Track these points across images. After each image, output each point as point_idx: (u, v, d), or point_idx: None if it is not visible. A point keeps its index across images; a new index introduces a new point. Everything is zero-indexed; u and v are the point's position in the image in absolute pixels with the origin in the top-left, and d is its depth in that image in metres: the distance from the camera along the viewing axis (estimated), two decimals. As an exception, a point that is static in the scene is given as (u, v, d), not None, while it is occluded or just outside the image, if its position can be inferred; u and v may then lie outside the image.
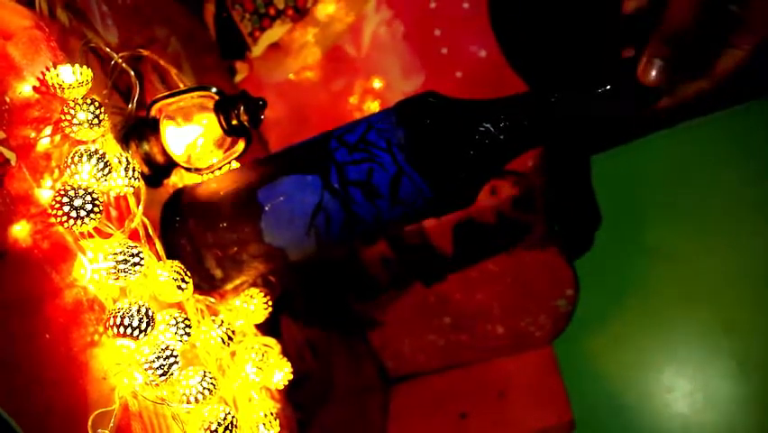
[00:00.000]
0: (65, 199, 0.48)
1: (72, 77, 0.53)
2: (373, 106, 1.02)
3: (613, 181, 1.21)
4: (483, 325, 1.15)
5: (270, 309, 0.72)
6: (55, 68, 0.53)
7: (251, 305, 0.70)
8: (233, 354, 0.66)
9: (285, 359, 0.71)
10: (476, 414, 1.11)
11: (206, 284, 0.64)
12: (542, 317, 1.13)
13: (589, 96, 0.56)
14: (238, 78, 1.04)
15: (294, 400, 0.81)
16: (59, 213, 0.48)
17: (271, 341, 0.71)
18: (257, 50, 1.03)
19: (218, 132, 0.63)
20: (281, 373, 0.70)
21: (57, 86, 0.53)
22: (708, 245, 1.23)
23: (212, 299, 0.65)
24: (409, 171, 0.57)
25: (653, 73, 0.53)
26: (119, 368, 0.50)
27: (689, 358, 1.22)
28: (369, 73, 1.01)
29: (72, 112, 0.52)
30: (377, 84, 1.00)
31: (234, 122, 0.62)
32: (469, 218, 1.04)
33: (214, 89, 0.62)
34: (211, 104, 0.63)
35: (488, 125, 0.58)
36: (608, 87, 0.55)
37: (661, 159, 1.27)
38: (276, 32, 1.01)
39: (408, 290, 1.14)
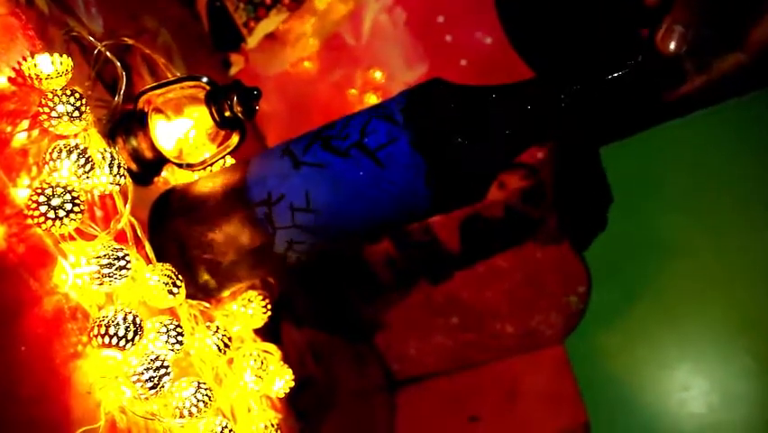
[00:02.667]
0: (42, 199, 0.45)
1: (51, 66, 0.50)
2: (374, 98, 0.98)
3: (625, 174, 1.17)
4: (492, 324, 1.12)
5: (270, 313, 0.68)
6: (32, 57, 0.50)
7: (248, 309, 0.66)
8: (230, 361, 0.63)
9: (285, 366, 0.67)
10: (486, 417, 1.07)
11: (200, 293, 0.60)
12: (553, 314, 1.10)
13: (608, 81, 0.52)
14: (233, 70, 1.00)
15: (296, 407, 0.77)
16: (36, 213, 0.45)
17: (271, 347, 0.67)
18: (252, 40, 0.99)
19: (210, 124, 0.60)
20: (282, 380, 0.67)
21: (34, 76, 0.50)
22: (725, 240, 1.20)
23: (206, 304, 0.61)
24: (414, 161, 0.53)
25: (674, 41, 0.49)
26: (105, 381, 0.47)
27: (705, 356, 1.18)
28: (369, 63, 0.97)
29: (51, 104, 0.49)
30: (378, 74, 0.97)
31: (227, 113, 0.58)
32: (476, 213, 1.00)
33: (204, 79, 0.58)
34: (202, 95, 0.59)
35: (499, 113, 0.54)
36: (628, 70, 0.51)
37: (675, 150, 1.22)
38: (272, 22, 0.97)
39: (414, 289, 1.11)
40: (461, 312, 1.12)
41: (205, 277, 0.60)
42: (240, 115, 0.58)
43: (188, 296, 0.58)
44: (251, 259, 0.59)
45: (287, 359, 0.70)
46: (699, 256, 1.21)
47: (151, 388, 0.47)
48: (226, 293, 0.64)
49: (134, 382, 0.47)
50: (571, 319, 1.10)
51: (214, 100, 0.58)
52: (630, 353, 1.19)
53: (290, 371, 0.67)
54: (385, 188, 0.54)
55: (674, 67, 0.52)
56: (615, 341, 1.20)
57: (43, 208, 0.44)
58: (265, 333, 0.71)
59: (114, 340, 0.46)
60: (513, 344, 1.13)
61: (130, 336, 0.47)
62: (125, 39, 0.63)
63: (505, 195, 0.99)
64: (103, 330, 0.46)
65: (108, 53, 0.59)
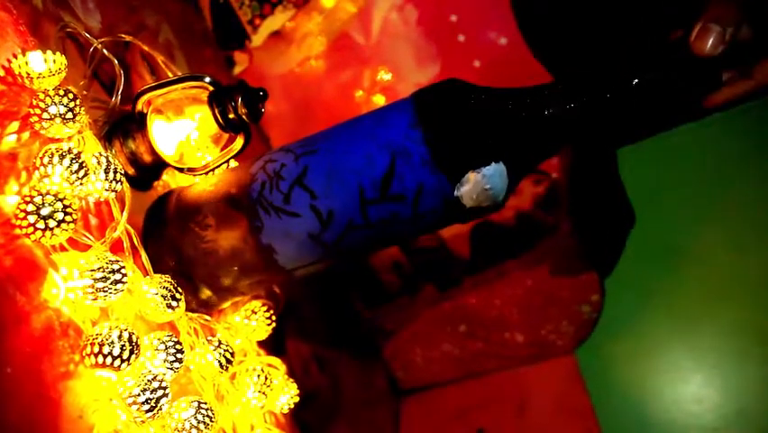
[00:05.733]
0: (30, 207, 0.42)
1: (43, 64, 0.47)
2: (382, 99, 0.94)
3: (637, 178, 1.13)
4: (501, 332, 1.08)
5: (274, 324, 0.64)
6: (23, 54, 0.47)
7: (252, 321, 0.63)
8: (232, 376, 0.59)
9: (290, 380, 0.64)
10: (495, 429, 1.04)
11: (198, 306, 0.57)
12: (564, 323, 1.07)
13: (632, 86, 0.49)
14: (237, 69, 0.97)
15: (300, 419, 0.74)
16: (25, 223, 0.42)
17: (276, 361, 0.64)
18: (257, 39, 0.95)
19: (213, 127, 0.56)
20: (286, 395, 0.63)
21: (25, 75, 0.47)
22: (740, 246, 1.17)
23: (207, 317, 0.57)
24: (429, 171, 0.49)
25: (710, 41, 0.45)
26: (98, 404, 0.44)
27: (719, 367, 1.15)
28: (379, 63, 0.94)
29: (42, 105, 0.46)
30: (388, 74, 0.93)
31: (231, 115, 0.55)
32: (487, 219, 0.96)
33: (207, 79, 0.55)
34: (205, 95, 0.56)
35: (521, 117, 0.51)
36: (655, 74, 0.48)
37: (688, 155, 1.19)
38: (278, 20, 0.94)
39: (421, 296, 1.07)
40: (470, 320, 1.09)
41: (204, 290, 0.57)
42: (245, 117, 0.55)
43: (187, 308, 0.55)
44: (251, 269, 0.56)
45: (291, 370, 0.67)
46: (713, 263, 1.18)
47: (148, 410, 0.44)
48: (227, 304, 0.61)
49: (130, 405, 0.44)
50: (583, 329, 1.07)
51: (217, 101, 0.55)
52: (642, 363, 1.16)
53: (295, 385, 0.64)
54: (412, 220, 0.51)
55: (708, 71, 0.49)
56: (626, 351, 1.17)
57: (32, 218, 0.41)
58: (269, 344, 0.68)
59: (109, 360, 0.43)
60: (523, 353, 1.10)
61: (125, 355, 0.44)
62: (124, 36, 0.60)
63: (517, 200, 0.95)
64: (96, 349, 0.43)
65: (105, 51, 0.56)
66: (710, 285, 1.16)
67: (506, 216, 0.96)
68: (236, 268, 0.54)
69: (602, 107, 0.50)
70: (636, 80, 0.49)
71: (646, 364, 1.16)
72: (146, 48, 0.59)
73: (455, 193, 0.49)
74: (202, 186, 0.57)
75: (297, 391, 0.64)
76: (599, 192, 1.00)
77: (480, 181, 0.49)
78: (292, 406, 0.64)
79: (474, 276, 1.04)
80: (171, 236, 0.55)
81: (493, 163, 0.49)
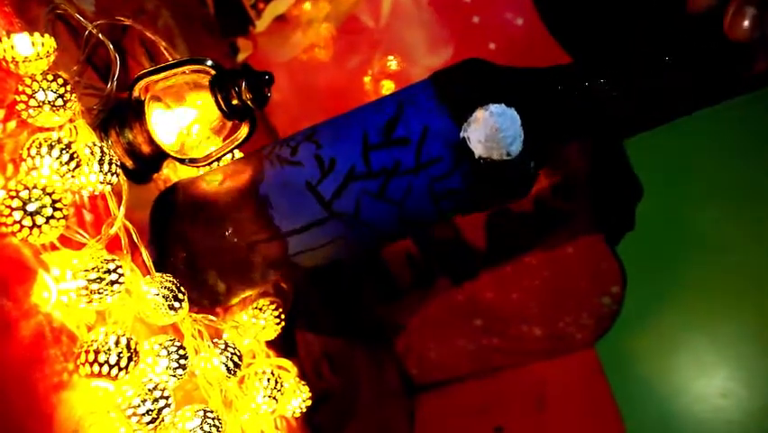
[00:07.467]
0: (16, 203, 0.38)
1: (30, 48, 0.44)
2: (393, 86, 0.91)
3: (657, 166, 1.10)
4: (518, 326, 1.05)
5: (283, 323, 0.61)
6: (9, 37, 0.43)
7: (260, 320, 0.59)
8: (240, 380, 0.56)
9: (302, 383, 0.61)
10: (513, 427, 1.01)
11: (207, 300, 0.54)
12: (584, 316, 1.03)
13: (658, 66, 0.46)
14: (241, 56, 0.94)
15: (313, 423, 0.71)
16: (10, 221, 0.38)
17: (286, 363, 0.61)
18: (261, 24, 0.92)
19: (216, 114, 0.53)
20: (298, 399, 0.60)
21: (10, 59, 0.43)
22: (763, 237, 1.13)
23: (212, 317, 0.54)
24: (436, 111, 0.47)
25: (745, 24, 0.43)
26: (95, 417, 0.40)
27: (744, 360, 1.12)
28: (389, 47, 0.90)
29: (29, 91, 0.42)
30: (398, 59, 0.90)
31: (235, 101, 0.52)
32: (503, 207, 0.93)
33: (209, 62, 0.52)
34: (206, 80, 0.52)
35: (547, 98, 0.48)
36: (682, 54, 0.46)
37: (710, 139, 1.16)
38: (282, 3, 0.90)
39: (435, 289, 1.04)
40: (485, 314, 1.06)
41: (215, 282, 0.53)
42: (249, 103, 0.51)
43: (193, 302, 0.51)
44: (265, 261, 0.52)
45: (302, 372, 0.64)
46: (736, 252, 1.15)
47: (150, 422, 0.41)
48: (236, 300, 0.58)
49: (129, 417, 0.41)
50: (604, 321, 1.03)
51: (220, 87, 0.51)
52: (664, 357, 1.14)
53: (307, 388, 0.61)
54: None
55: (739, 49, 0.46)
56: (648, 345, 1.14)
57: (18, 215, 0.38)
58: (278, 344, 0.65)
59: (105, 368, 0.40)
60: (541, 347, 1.07)
61: (123, 363, 0.41)
62: (120, 18, 0.56)
63: (534, 188, 0.92)
64: (92, 357, 0.40)
65: (100, 35, 0.52)
66: (733, 277, 1.13)
67: (523, 204, 0.93)
68: (231, 227, 0.51)
69: (624, 90, 0.47)
70: (658, 60, 0.46)
71: (669, 358, 1.14)
72: (146, 32, 0.56)
73: (462, 134, 0.46)
74: (216, 182, 0.54)
75: (309, 394, 0.61)
76: (616, 174, 0.97)
77: (489, 120, 0.45)
78: (304, 409, 0.61)
79: (490, 268, 1.01)
80: (182, 227, 0.52)
81: (503, 104, 0.46)
